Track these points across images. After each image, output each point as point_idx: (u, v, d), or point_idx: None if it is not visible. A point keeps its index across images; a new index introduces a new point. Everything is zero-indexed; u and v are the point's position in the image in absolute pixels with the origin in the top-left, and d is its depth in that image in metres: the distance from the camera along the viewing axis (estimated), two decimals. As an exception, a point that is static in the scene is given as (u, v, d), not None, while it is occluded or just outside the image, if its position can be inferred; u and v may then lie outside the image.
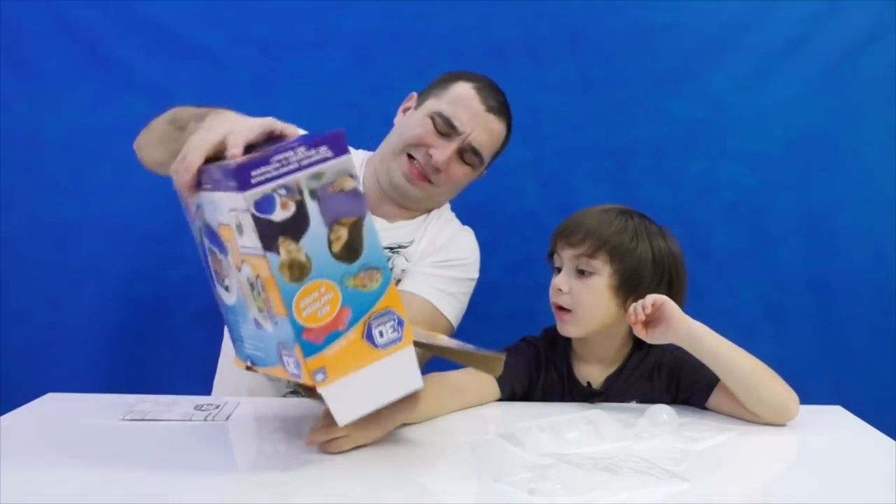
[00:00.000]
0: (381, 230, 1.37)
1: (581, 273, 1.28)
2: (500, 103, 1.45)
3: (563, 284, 1.28)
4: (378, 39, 1.83)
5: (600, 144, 1.84)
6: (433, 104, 1.43)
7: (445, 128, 1.40)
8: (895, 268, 1.81)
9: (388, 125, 1.84)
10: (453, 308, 1.42)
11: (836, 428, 1.20)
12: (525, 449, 1.02)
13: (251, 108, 1.86)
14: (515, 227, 1.85)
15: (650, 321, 1.20)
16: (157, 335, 1.84)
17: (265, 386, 1.43)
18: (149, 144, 1.25)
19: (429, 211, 1.51)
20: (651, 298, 1.20)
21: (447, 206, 1.56)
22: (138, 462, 0.98)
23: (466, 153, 1.42)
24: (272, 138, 0.94)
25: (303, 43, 1.84)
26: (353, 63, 1.83)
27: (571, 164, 1.84)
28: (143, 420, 1.14)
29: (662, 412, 1.14)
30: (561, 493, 0.87)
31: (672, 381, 1.28)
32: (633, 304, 1.21)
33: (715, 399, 1.23)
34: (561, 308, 1.29)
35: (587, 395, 1.30)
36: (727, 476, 0.98)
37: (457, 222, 1.55)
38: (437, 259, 1.44)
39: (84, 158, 1.83)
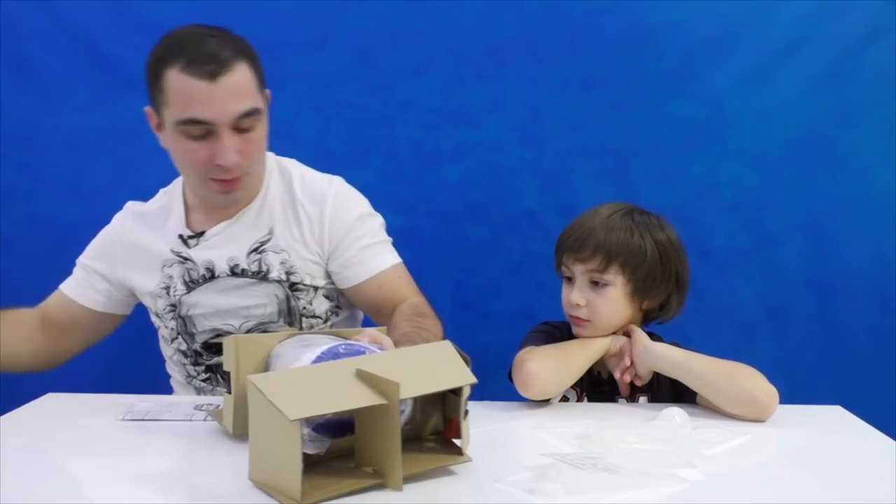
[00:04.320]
0: (231, 232, 1.38)
1: (595, 284, 1.29)
2: (214, 57, 1.23)
3: (579, 299, 1.29)
4: (378, 39, 1.83)
5: (600, 144, 1.84)
6: (169, 114, 1.26)
7: (199, 129, 1.24)
8: (895, 268, 1.81)
9: (388, 125, 1.85)
10: (394, 251, 1.44)
11: (836, 428, 1.19)
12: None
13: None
14: (515, 227, 1.85)
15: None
16: (157, 335, 1.83)
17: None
18: None
19: (255, 190, 1.41)
20: (626, 328, 1.31)
21: (281, 169, 1.44)
22: (138, 462, 0.98)
23: (240, 124, 1.26)
24: None
25: (303, 43, 1.84)
26: (353, 63, 1.83)
27: (571, 164, 1.84)
28: (143, 420, 1.14)
29: (675, 415, 1.14)
30: (561, 493, 0.87)
31: (675, 382, 1.28)
32: (621, 368, 1.28)
33: (699, 398, 1.25)
34: (577, 317, 1.30)
35: (595, 383, 1.33)
36: (726, 476, 0.98)
37: (308, 180, 1.42)
38: (348, 230, 1.39)
39: (84, 158, 1.84)
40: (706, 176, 1.84)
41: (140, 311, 1.89)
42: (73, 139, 1.84)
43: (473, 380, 0.93)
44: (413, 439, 0.97)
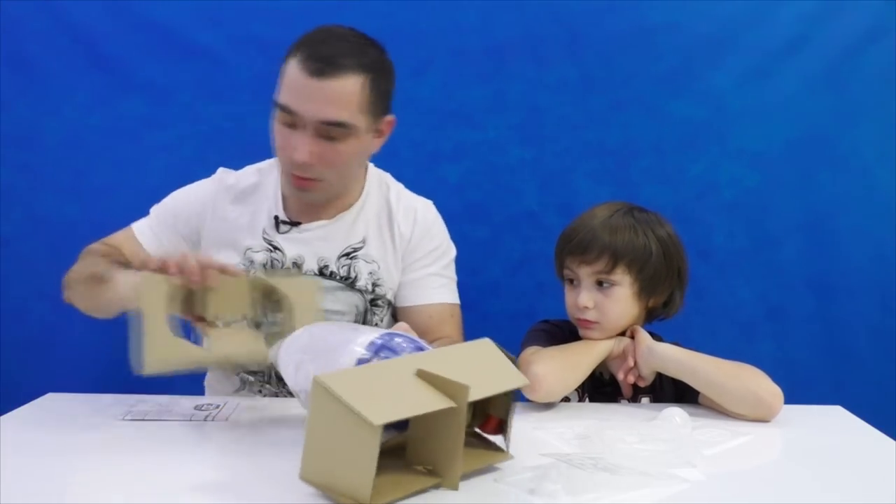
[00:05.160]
0: (326, 232, 1.38)
1: (601, 285, 1.29)
2: (330, 59, 1.25)
3: (587, 301, 1.28)
4: (378, 39, 1.83)
5: (600, 144, 1.84)
6: (277, 95, 1.28)
7: (288, 117, 1.26)
8: (895, 268, 1.81)
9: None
10: (456, 292, 1.46)
11: (836, 428, 1.19)
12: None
13: (251, 108, 1.87)
14: (515, 227, 1.85)
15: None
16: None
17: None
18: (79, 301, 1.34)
19: (356, 195, 1.42)
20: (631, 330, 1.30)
21: (381, 181, 1.46)
22: (138, 462, 0.98)
23: (325, 131, 1.26)
24: None
25: (303, 43, 1.84)
26: (353, 63, 1.83)
27: (571, 164, 1.84)
28: (143, 420, 1.14)
29: (675, 415, 1.14)
30: (561, 493, 0.87)
31: (677, 382, 1.28)
32: (624, 370, 1.28)
33: (702, 398, 1.24)
34: (585, 319, 1.30)
35: (598, 384, 1.33)
36: (726, 476, 0.98)
37: (404, 198, 1.45)
38: (424, 255, 1.41)
39: (84, 158, 1.84)
40: (706, 176, 1.84)
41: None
42: (73, 139, 1.84)
43: (526, 381, 0.98)
44: None
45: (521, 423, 1.15)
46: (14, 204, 1.83)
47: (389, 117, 1.36)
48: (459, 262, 1.85)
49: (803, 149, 1.82)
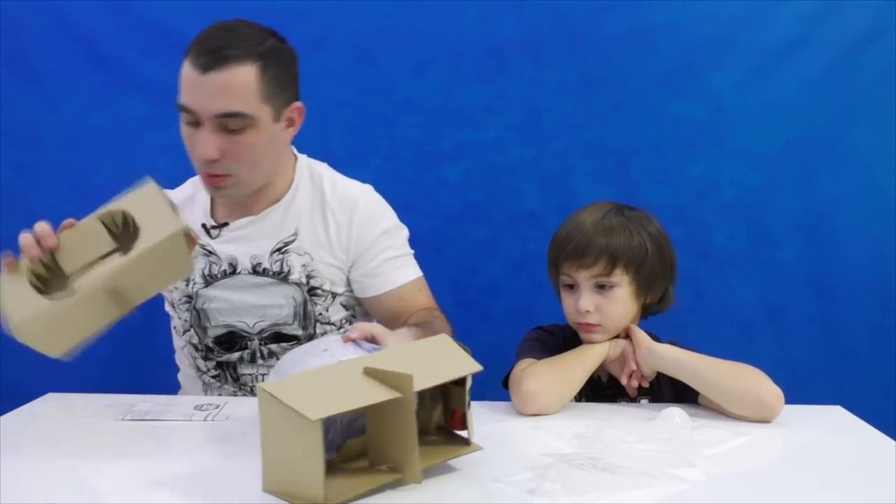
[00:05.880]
0: (255, 228, 1.37)
1: (601, 287, 1.28)
2: (216, 50, 1.24)
3: (588, 305, 1.28)
4: (378, 39, 1.83)
5: (600, 144, 1.84)
6: (178, 97, 1.27)
7: (190, 117, 1.25)
8: (895, 268, 1.81)
9: (388, 125, 1.85)
10: (416, 264, 1.44)
11: (836, 428, 1.19)
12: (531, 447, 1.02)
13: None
14: (515, 227, 1.85)
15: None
16: (156, 335, 1.83)
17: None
18: None
19: (283, 189, 1.40)
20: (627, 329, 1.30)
21: (312, 172, 1.43)
22: (138, 462, 0.98)
23: (224, 124, 1.24)
24: None
25: (303, 43, 1.84)
26: (353, 63, 1.83)
27: (571, 164, 1.84)
28: (143, 420, 1.14)
29: (675, 415, 1.14)
30: (561, 493, 0.87)
31: (675, 383, 1.28)
32: (626, 374, 1.27)
33: (702, 398, 1.24)
34: (587, 323, 1.29)
35: (596, 388, 1.32)
36: (726, 476, 0.98)
37: (340, 187, 1.42)
38: (374, 241, 1.39)
39: (84, 158, 1.84)
40: (706, 176, 1.83)
41: (140, 310, 1.89)
42: (73, 139, 1.84)
43: (479, 367, 0.96)
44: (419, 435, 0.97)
45: (521, 423, 1.16)
46: (14, 204, 1.83)
47: (297, 104, 1.34)
48: (459, 262, 1.86)
49: (803, 149, 1.82)
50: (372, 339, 1.07)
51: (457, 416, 0.98)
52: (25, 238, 1.11)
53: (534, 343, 1.35)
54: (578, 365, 1.26)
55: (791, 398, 1.21)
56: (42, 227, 1.12)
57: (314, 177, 1.43)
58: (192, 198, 1.45)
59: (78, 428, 1.12)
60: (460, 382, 0.96)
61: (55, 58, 1.82)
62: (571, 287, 1.31)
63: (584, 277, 1.29)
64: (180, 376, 1.53)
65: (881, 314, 1.81)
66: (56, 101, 1.83)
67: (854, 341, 1.82)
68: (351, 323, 1.44)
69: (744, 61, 1.82)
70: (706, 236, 1.83)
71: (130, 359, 1.82)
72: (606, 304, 1.28)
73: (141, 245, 1.08)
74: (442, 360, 0.95)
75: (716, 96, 1.82)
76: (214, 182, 1.31)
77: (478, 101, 1.84)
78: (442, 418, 1.00)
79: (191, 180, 1.48)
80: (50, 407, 1.23)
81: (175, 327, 1.48)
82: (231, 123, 1.25)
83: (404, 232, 1.45)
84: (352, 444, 0.93)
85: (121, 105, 1.82)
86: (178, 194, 1.46)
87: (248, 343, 1.40)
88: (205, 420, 1.15)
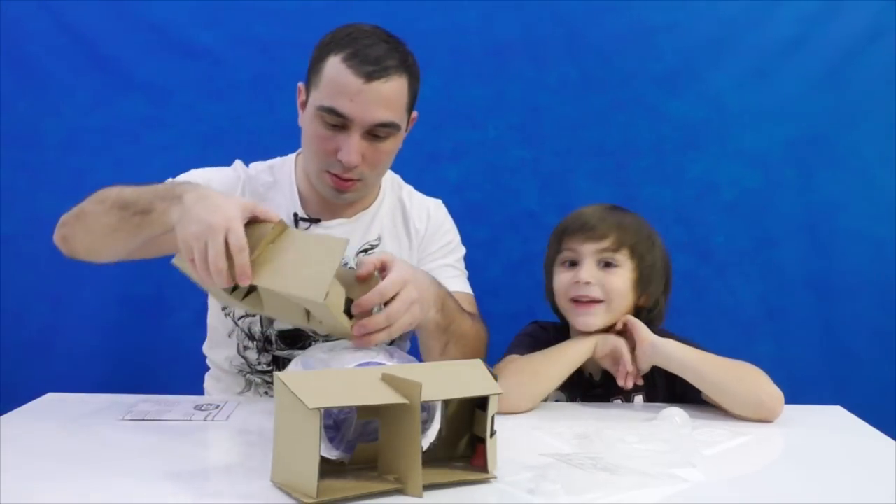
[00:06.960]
0: (345, 230, 1.36)
1: (606, 265, 1.27)
2: (378, 60, 1.25)
3: (590, 277, 1.26)
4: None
5: (600, 144, 1.84)
6: (316, 97, 1.27)
7: (336, 119, 1.25)
8: (895, 268, 1.81)
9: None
10: (468, 284, 1.45)
11: (836, 428, 1.19)
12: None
13: (251, 108, 1.87)
14: (515, 227, 1.85)
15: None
16: (156, 335, 1.84)
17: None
18: (92, 233, 1.23)
19: (374, 195, 1.43)
20: (624, 320, 1.27)
21: (393, 182, 1.47)
22: (138, 462, 0.98)
23: (373, 131, 1.27)
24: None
25: (303, 43, 1.84)
26: (353, 63, 1.83)
27: (571, 164, 1.84)
28: (143, 420, 1.14)
29: (675, 415, 1.14)
30: (561, 493, 0.87)
31: (669, 377, 1.28)
32: (622, 374, 1.24)
33: (704, 396, 1.24)
34: (585, 302, 1.27)
35: (588, 386, 1.31)
36: (726, 476, 0.98)
37: (416, 197, 1.47)
38: (437, 248, 1.43)
39: (84, 158, 1.84)
40: (706, 176, 1.84)
41: (140, 310, 1.89)
42: (73, 139, 1.84)
43: (499, 390, 0.92)
44: (441, 460, 0.95)
45: (521, 423, 1.15)
46: (14, 204, 1.83)
47: (415, 113, 1.38)
48: (459, 262, 1.86)
49: (803, 149, 1.82)
50: (381, 267, 1.07)
51: (479, 451, 0.94)
52: (216, 265, 1.01)
53: (524, 339, 1.35)
54: (556, 361, 1.24)
55: (791, 398, 1.21)
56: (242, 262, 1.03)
57: (394, 186, 1.46)
58: (273, 185, 1.40)
59: (78, 428, 1.11)
60: (484, 407, 0.92)
61: (55, 58, 1.83)
62: (573, 264, 1.29)
63: (589, 251, 1.27)
64: (209, 378, 1.49)
65: (881, 314, 1.81)
66: (56, 101, 1.83)
67: (854, 341, 1.82)
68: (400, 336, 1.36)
69: (743, 61, 1.82)
70: (706, 236, 1.83)
71: (130, 359, 1.82)
72: (610, 279, 1.26)
73: (290, 285, 1.02)
74: (464, 378, 0.93)
75: (716, 96, 1.82)
76: (344, 186, 1.30)
77: (478, 101, 1.84)
78: (469, 449, 0.97)
79: (266, 165, 1.43)
80: (50, 407, 1.23)
81: (229, 313, 1.41)
82: (381, 132, 1.27)
83: (462, 251, 1.48)
84: (364, 448, 0.93)
85: (121, 105, 1.82)
86: (258, 176, 1.40)
87: (312, 342, 1.37)
88: (205, 420, 1.15)
